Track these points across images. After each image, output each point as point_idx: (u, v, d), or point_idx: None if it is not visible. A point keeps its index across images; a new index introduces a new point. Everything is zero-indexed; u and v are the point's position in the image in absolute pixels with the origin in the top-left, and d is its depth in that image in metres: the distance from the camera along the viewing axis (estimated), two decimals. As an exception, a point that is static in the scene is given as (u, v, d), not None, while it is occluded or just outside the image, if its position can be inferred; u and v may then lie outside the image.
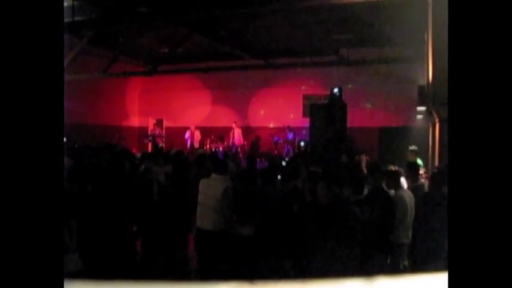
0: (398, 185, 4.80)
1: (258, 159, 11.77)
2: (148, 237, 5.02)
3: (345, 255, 3.44)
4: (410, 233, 4.65)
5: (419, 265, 4.45)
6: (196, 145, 15.62)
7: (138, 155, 8.90)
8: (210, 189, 4.91)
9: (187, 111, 17.37)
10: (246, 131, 15.97)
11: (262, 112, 16.56)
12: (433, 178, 4.81)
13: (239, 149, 14.73)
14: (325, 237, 3.54)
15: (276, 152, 14.23)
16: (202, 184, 5.01)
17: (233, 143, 15.27)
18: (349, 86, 13.47)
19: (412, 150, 8.39)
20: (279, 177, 5.53)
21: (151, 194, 5.33)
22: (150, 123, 18.06)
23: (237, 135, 15.44)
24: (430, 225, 4.32)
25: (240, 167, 7.83)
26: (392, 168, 6.86)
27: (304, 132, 13.86)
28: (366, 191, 4.64)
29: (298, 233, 3.80)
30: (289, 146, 14.52)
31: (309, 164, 6.38)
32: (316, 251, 3.52)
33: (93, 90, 15.08)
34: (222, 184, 4.86)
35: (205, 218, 4.90)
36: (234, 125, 15.53)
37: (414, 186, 5.12)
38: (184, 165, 6.45)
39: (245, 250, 4.31)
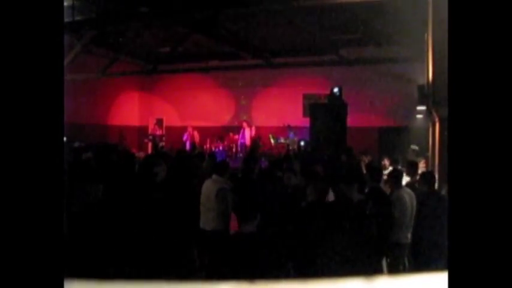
0: (398, 185, 4.79)
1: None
2: (148, 236, 5.02)
3: (345, 255, 3.44)
4: (410, 232, 4.65)
5: (415, 264, 4.46)
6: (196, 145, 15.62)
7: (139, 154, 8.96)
8: (208, 190, 4.97)
9: (187, 111, 17.38)
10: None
11: (262, 112, 16.56)
12: (423, 177, 4.81)
13: (245, 148, 14.73)
14: (325, 237, 3.54)
15: (276, 152, 14.23)
16: (204, 185, 5.07)
17: (242, 142, 15.27)
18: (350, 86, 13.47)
19: (413, 150, 8.41)
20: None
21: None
22: (150, 123, 18.06)
23: (247, 135, 15.43)
24: (424, 225, 4.36)
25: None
26: (386, 162, 6.89)
27: (304, 131, 13.86)
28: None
29: (300, 232, 3.80)
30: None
31: (309, 164, 6.39)
32: (316, 250, 3.53)
33: (93, 90, 15.08)
34: (217, 185, 4.92)
35: (205, 218, 4.97)
36: (244, 124, 15.52)
37: (411, 183, 5.14)
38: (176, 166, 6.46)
39: (246, 249, 4.30)
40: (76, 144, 8.17)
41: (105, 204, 4.31)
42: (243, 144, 15.12)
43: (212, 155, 8.29)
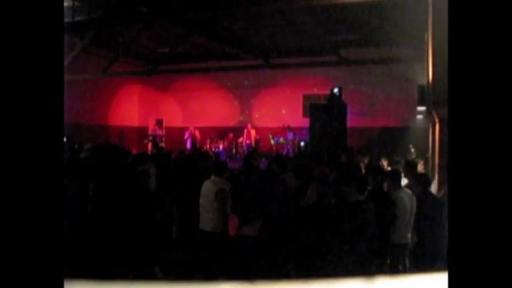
0: (398, 185, 4.79)
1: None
2: (147, 236, 5.01)
3: (347, 255, 3.44)
4: (410, 233, 4.66)
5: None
6: (197, 144, 15.64)
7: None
8: (207, 191, 4.96)
9: (187, 111, 17.39)
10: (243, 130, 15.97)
11: (262, 112, 16.57)
12: (417, 179, 4.82)
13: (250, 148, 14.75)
14: (327, 237, 3.54)
15: (275, 152, 14.23)
16: (203, 186, 5.06)
17: (246, 143, 15.29)
18: (350, 86, 13.45)
19: (410, 149, 8.43)
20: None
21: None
22: (150, 123, 18.05)
23: (252, 135, 15.46)
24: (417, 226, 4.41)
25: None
26: (384, 162, 6.90)
27: (304, 132, 13.87)
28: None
29: (301, 233, 3.80)
30: (289, 146, 14.54)
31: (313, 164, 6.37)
32: (317, 251, 3.52)
33: (93, 90, 15.08)
34: (216, 186, 4.91)
35: (204, 219, 4.97)
36: (249, 126, 15.55)
37: (411, 185, 5.13)
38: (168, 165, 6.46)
39: (246, 250, 4.30)
40: (87, 147, 8.24)
41: (94, 203, 4.30)
42: (250, 145, 15.10)
43: (208, 155, 8.30)
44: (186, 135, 15.93)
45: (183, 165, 6.84)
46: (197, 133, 16.11)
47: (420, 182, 4.62)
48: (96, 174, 5.09)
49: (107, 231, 4.11)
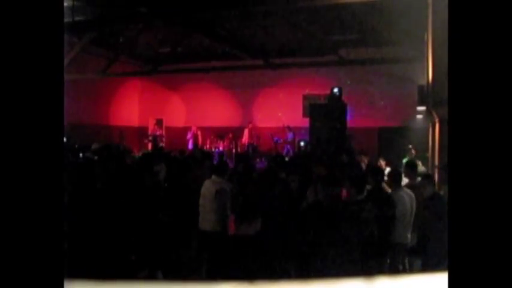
0: (398, 185, 4.79)
1: (257, 159, 11.82)
2: (147, 236, 5.01)
3: (346, 255, 3.44)
4: (410, 233, 4.66)
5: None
6: (199, 145, 15.62)
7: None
8: (208, 191, 4.96)
9: (187, 111, 17.38)
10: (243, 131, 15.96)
11: (262, 112, 16.56)
12: (424, 180, 4.81)
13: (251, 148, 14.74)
14: (327, 237, 3.54)
15: (275, 152, 14.23)
16: (204, 186, 5.06)
17: (248, 142, 15.29)
18: (350, 86, 13.43)
19: (410, 149, 8.44)
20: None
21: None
22: (150, 123, 18.05)
23: (254, 135, 15.46)
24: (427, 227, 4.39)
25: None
26: (382, 162, 6.92)
27: (304, 132, 13.87)
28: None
29: (301, 233, 3.80)
30: (289, 146, 14.54)
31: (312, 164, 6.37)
32: (317, 251, 3.52)
33: (93, 90, 15.07)
34: (216, 186, 4.91)
35: (204, 219, 4.97)
36: (250, 126, 15.55)
37: (412, 185, 5.13)
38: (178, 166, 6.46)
39: (246, 250, 4.30)
40: (94, 146, 8.27)
41: (102, 203, 4.30)
42: (252, 145, 15.06)
43: (209, 154, 8.28)
44: (189, 135, 15.89)
45: (183, 164, 6.83)
46: (200, 133, 16.08)
47: (429, 182, 4.60)
48: (105, 174, 5.09)
49: (117, 232, 4.11)
